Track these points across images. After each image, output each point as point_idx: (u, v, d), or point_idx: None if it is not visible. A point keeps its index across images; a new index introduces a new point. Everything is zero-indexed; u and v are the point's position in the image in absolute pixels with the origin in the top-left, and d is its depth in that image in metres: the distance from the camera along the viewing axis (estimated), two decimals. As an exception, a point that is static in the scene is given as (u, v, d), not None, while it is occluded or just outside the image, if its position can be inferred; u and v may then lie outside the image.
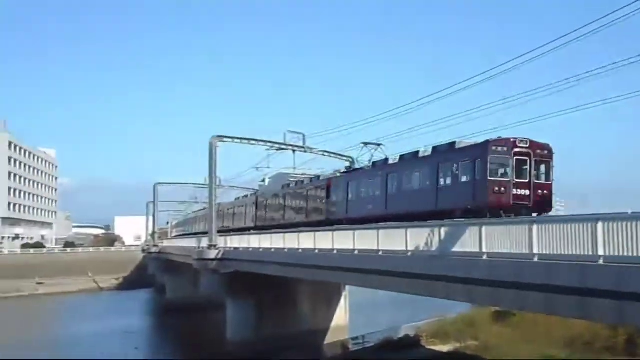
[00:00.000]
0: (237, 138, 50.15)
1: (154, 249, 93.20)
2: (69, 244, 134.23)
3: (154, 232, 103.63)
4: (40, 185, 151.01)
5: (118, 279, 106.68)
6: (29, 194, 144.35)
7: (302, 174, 52.74)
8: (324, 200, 42.17)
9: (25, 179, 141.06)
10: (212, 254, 46.05)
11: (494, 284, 22.05)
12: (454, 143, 33.17)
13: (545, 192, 31.72)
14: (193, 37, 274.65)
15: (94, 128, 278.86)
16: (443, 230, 24.98)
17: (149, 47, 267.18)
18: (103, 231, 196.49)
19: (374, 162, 39.86)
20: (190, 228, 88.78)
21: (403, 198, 35.14)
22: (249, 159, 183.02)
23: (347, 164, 47.48)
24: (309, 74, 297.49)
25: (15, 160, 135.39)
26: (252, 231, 49.08)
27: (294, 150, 51.28)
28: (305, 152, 50.26)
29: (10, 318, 71.42)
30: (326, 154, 50.94)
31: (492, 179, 31.08)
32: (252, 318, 45.50)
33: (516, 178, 31.11)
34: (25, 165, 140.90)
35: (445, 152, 32.97)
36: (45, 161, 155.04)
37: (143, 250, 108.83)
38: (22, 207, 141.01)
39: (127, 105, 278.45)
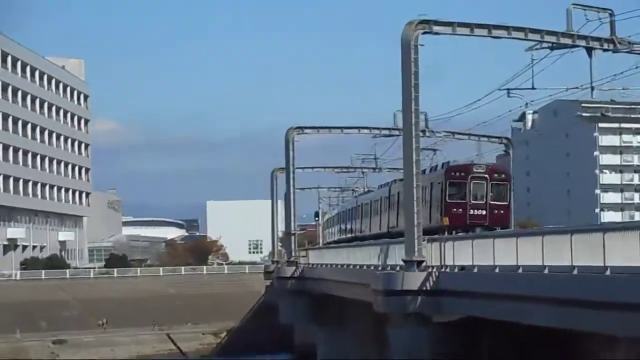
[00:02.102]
0: (333, 128, 53.87)
1: (288, 271, 59.37)
2: (115, 261, 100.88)
3: (290, 235, 61.84)
4: (54, 137, 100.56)
5: (217, 334, 76.74)
6: (31, 154, 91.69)
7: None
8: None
9: (20, 121, 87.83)
10: (416, 279, 30.84)
11: None
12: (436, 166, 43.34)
13: (502, 211, 40.00)
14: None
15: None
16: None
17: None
18: (182, 233, 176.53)
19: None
20: (360, 226, 62.30)
21: None
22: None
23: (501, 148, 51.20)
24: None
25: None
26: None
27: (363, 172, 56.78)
28: (427, 136, 48.12)
29: None
30: (465, 137, 50.67)
31: (450, 201, 39.93)
32: None
33: (473, 200, 39.38)
34: (21, 95, 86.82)
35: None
36: (65, 86, 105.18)
37: (266, 272, 78.11)
38: (19, 185, 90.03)
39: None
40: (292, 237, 61.17)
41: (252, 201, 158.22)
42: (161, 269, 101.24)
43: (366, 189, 71.12)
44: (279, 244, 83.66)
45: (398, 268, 34.29)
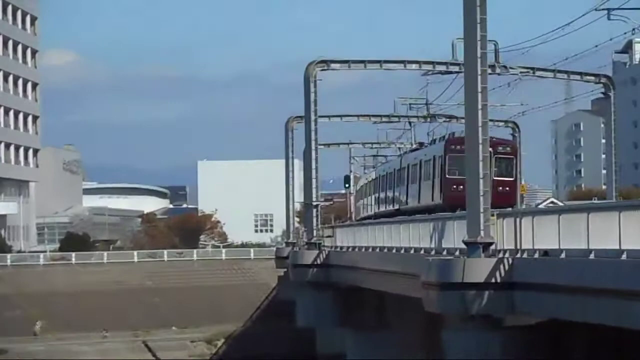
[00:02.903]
0: (369, 62, 56.84)
1: (308, 257, 59.75)
2: (74, 242, 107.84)
3: (311, 208, 61.51)
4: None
5: (212, 341, 79.73)
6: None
7: None
8: None
9: None
10: (482, 268, 31.74)
11: None
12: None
13: (507, 188, 50.54)
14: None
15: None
16: None
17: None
18: (165, 204, 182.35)
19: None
20: (406, 195, 63.38)
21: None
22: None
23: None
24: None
25: None
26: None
27: (410, 122, 66.05)
28: (498, 73, 52.47)
29: None
30: (550, 74, 53.99)
31: (450, 177, 50.67)
32: None
33: None
34: None
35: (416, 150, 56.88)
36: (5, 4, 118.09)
37: (279, 258, 79.30)
38: None
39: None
40: (314, 210, 62.11)
41: (259, 161, 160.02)
42: (136, 253, 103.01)
43: (415, 145, 71.95)
44: (296, 219, 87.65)
45: (457, 253, 35.25)
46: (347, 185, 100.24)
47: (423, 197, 57.63)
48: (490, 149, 43.07)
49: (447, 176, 51.89)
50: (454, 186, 49.83)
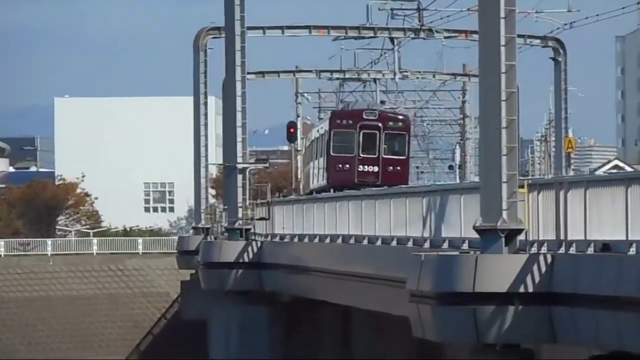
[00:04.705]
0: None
1: (230, 251, 62.51)
2: None
3: (233, 174, 64.63)
4: None
5: None
6: None
7: None
8: None
9: None
10: (505, 271, 33.08)
11: None
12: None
13: (398, 168, 66.83)
14: None
15: None
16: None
17: None
18: (6, 166, 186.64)
19: None
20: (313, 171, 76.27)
21: None
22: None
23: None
24: None
25: None
26: None
27: (375, 80, 79.13)
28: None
29: None
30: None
31: (336, 154, 66.88)
32: None
33: (362, 153, 66.25)
34: None
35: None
36: None
37: (182, 253, 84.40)
38: None
39: None
40: (239, 177, 63.93)
41: (153, 99, 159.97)
42: None
43: (341, 106, 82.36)
44: (211, 192, 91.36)
45: (466, 245, 36.53)
46: (291, 139, 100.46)
47: (316, 178, 75.18)
48: (380, 124, 66.47)
49: (331, 154, 67.98)
50: (339, 165, 67.08)
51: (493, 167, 33.12)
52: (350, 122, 67.04)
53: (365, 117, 67.39)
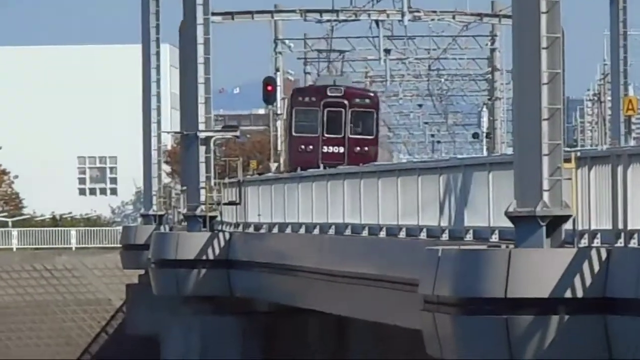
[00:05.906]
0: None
1: (191, 245, 64.78)
2: None
3: (193, 145, 68.74)
4: None
5: None
6: None
7: None
8: None
9: None
10: (548, 269, 33.29)
11: None
12: None
13: (366, 148, 76.58)
14: None
15: None
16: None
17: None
18: None
19: None
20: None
21: None
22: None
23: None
24: None
25: None
26: None
27: (378, 22, 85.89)
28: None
29: None
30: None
31: (298, 134, 78.04)
32: None
33: (326, 133, 76.48)
34: None
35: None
36: None
37: (128, 247, 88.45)
38: None
39: None
40: (202, 148, 65.52)
41: (88, 48, 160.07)
42: None
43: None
44: (165, 168, 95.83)
45: (495, 237, 37.57)
46: (269, 100, 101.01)
47: (284, 159, 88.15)
48: (346, 102, 75.49)
49: (293, 134, 78.80)
50: (302, 146, 77.30)
51: (531, 136, 33.08)
52: (313, 99, 76.41)
53: (329, 93, 76.41)
